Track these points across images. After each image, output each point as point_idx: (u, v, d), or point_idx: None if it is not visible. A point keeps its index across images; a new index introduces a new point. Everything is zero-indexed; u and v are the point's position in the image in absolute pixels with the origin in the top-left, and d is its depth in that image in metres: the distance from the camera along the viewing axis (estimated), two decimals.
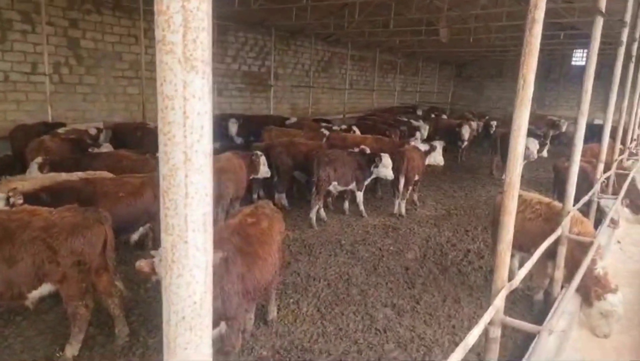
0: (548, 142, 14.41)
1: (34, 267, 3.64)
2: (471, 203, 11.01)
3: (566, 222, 5.11)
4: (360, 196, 9.26)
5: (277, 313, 5.21)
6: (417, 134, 15.05)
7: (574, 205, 5.48)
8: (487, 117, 22.99)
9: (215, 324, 3.65)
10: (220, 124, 14.69)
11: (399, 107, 26.05)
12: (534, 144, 12.47)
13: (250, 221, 4.13)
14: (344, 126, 14.26)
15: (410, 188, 9.76)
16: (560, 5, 13.93)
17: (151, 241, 6.07)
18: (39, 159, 6.36)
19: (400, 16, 16.92)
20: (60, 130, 9.24)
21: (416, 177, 9.81)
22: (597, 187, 7.16)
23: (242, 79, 17.79)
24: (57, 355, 4.13)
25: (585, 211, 7.00)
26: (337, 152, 9.00)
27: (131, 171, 6.59)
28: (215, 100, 16.19)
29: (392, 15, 16.65)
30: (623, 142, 11.06)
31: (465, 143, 16.26)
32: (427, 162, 10.40)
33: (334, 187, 8.82)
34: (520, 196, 5.97)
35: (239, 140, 14.15)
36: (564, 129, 21.01)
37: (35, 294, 3.79)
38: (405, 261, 7.16)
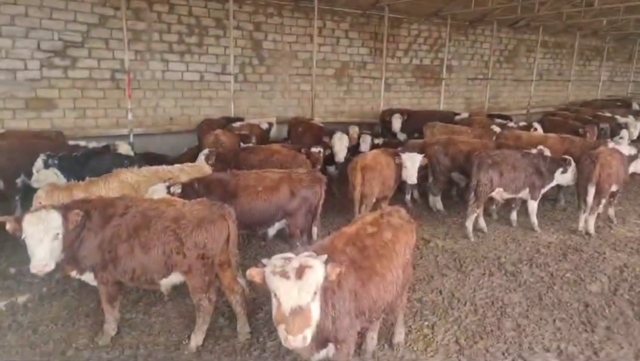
0: None
1: (164, 256, 3.86)
2: None
3: None
4: (534, 206, 7.81)
5: (407, 336, 4.60)
6: (623, 132, 12.14)
7: None
8: None
9: (323, 345, 3.29)
10: (385, 119, 14.49)
11: (604, 101, 21.68)
12: None
13: (371, 230, 3.63)
14: (522, 123, 12.41)
15: (604, 200, 7.81)
16: None
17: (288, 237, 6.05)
18: (206, 151, 7.04)
19: None
20: (236, 124, 10.16)
21: (614, 188, 7.80)
22: None
23: (413, 73, 17.12)
24: (184, 342, 4.37)
25: None
26: (505, 153, 7.70)
27: (281, 166, 6.75)
28: (384, 95, 15.93)
29: None
30: None
31: None
32: (631, 170, 8.20)
33: (499, 194, 7.61)
34: None
35: (402, 136, 13.60)
36: None
37: (165, 282, 4.04)
38: (585, 295, 5.68)
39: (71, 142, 8.22)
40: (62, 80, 10.50)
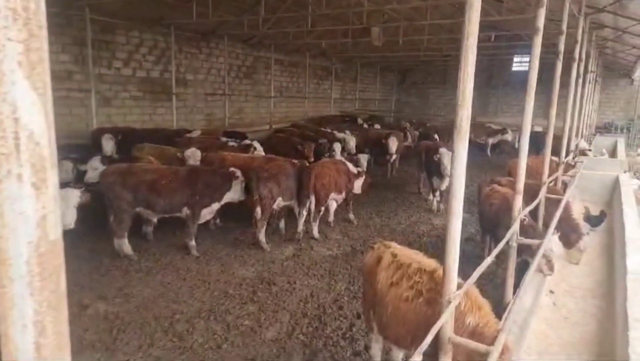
0: None
1: None
2: (385, 234, 8.95)
3: (449, 313, 2.98)
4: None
5: None
6: (335, 145, 12.93)
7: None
8: (427, 125, 21.55)
9: None
10: (96, 140, 12.17)
11: (335, 117, 24.11)
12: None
13: None
14: (247, 141, 12.00)
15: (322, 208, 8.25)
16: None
17: None
18: None
19: (321, 15, 14.94)
20: None
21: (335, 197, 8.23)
22: (515, 227, 5.16)
23: (139, 86, 15.19)
24: None
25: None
26: (278, 164, 7.96)
27: None
28: (100, 112, 13.59)
29: (309, 12, 14.65)
30: (557, 154, 9.10)
31: (394, 156, 14.37)
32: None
33: (278, 204, 7.82)
34: (394, 256, 3.91)
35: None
36: (510, 138, 20.07)
37: None
38: (256, 347, 4.92)
39: None
40: None
